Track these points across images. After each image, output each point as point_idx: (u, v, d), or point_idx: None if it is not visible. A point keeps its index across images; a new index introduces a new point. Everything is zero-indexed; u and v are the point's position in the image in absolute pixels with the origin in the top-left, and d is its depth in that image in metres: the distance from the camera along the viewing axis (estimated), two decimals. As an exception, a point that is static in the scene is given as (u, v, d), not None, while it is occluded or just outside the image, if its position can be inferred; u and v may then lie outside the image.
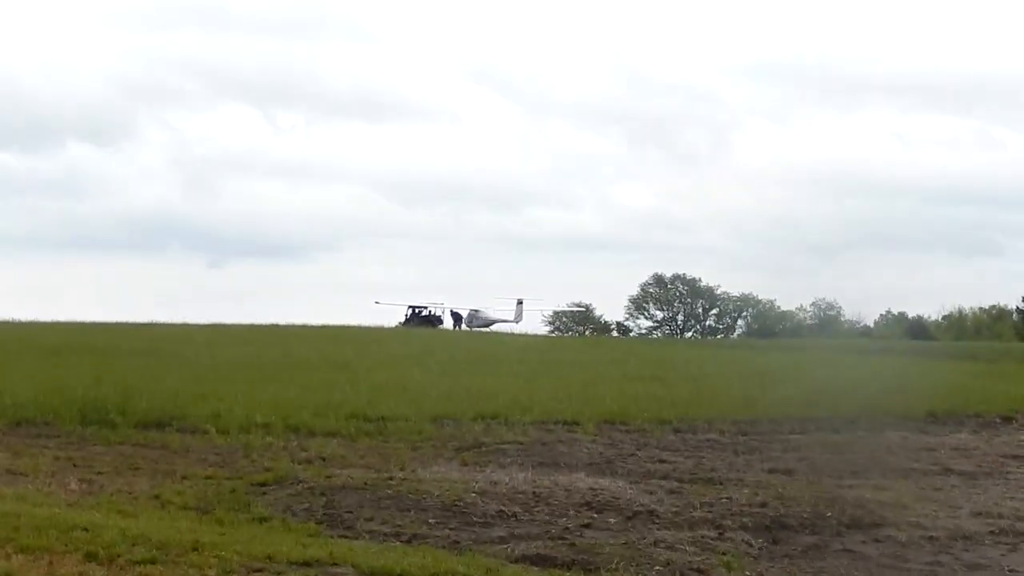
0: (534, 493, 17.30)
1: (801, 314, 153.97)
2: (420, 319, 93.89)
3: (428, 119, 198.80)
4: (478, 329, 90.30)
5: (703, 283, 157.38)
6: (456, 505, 16.31)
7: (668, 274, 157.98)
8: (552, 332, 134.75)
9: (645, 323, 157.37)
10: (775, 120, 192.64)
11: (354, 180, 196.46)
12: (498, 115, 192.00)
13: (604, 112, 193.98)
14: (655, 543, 14.40)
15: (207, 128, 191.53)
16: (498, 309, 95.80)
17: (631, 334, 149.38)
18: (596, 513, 16.30)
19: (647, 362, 44.04)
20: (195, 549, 12.25)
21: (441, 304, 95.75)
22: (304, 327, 69.25)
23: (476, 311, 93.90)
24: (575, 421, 26.03)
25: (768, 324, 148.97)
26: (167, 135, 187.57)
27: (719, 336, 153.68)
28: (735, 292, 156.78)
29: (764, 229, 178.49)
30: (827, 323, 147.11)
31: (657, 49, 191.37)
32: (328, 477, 18.50)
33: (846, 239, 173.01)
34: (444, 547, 14.04)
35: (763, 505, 16.97)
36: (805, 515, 16.34)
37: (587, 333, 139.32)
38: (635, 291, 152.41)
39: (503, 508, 16.20)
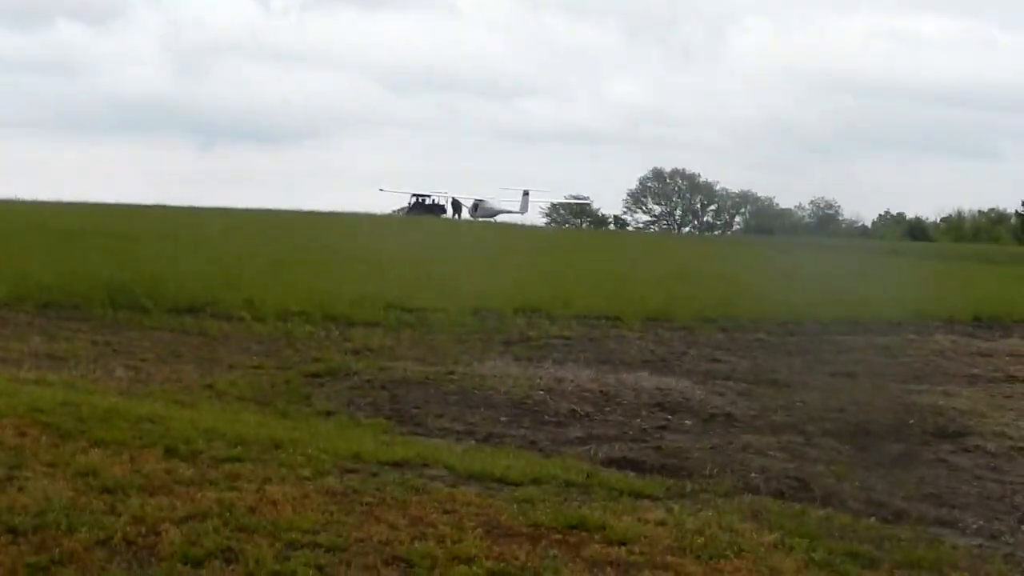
0: (601, 391, 16.62)
1: (800, 212, 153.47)
2: (424, 207, 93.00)
3: (424, 7, 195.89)
4: (482, 219, 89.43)
5: (702, 179, 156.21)
6: (525, 403, 15.63)
7: (667, 169, 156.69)
8: (549, 224, 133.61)
9: (643, 217, 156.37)
10: (773, 18, 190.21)
11: (347, 67, 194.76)
12: (494, 5, 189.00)
13: (600, 4, 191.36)
14: (743, 448, 13.71)
15: (199, 9, 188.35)
16: (503, 200, 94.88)
17: (628, 227, 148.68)
18: (669, 414, 15.64)
19: (671, 258, 43.26)
20: (277, 446, 11.53)
21: (445, 193, 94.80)
22: (312, 213, 68.41)
23: (481, 200, 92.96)
24: (617, 317, 25.33)
25: (766, 221, 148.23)
26: (158, 15, 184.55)
27: (716, 232, 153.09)
28: (734, 189, 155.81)
29: (760, 127, 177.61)
30: (825, 222, 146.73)
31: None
32: (382, 369, 17.79)
33: (842, 139, 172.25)
34: (523, 447, 13.35)
35: (840, 410, 16.31)
36: (887, 422, 15.68)
37: (583, 225, 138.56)
38: (633, 185, 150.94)
39: (574, 407, 15.52)
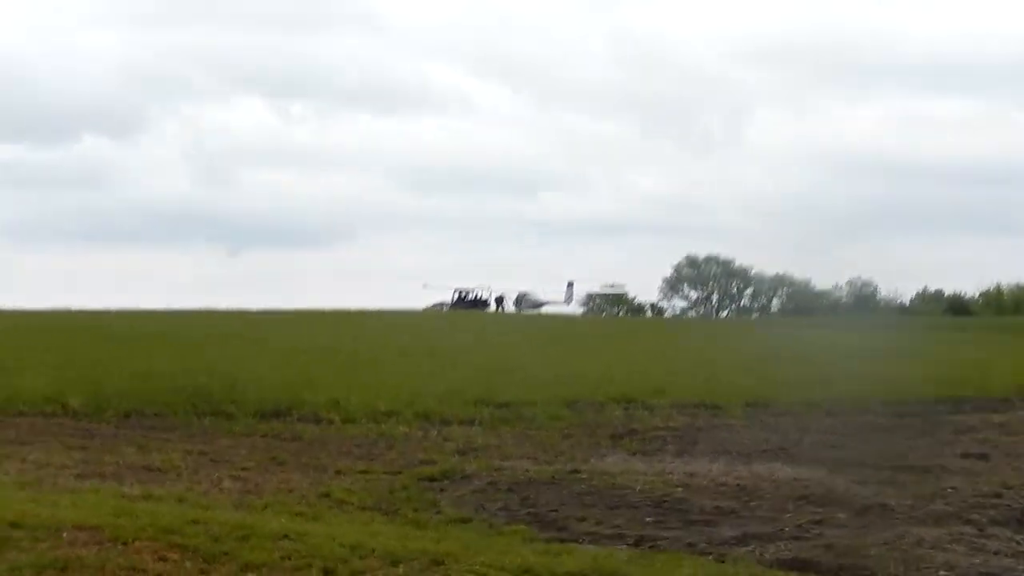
0: (738, 485, 15.72)
1: (837, 292, 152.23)
2: (467, 303, 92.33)
3: (438, 109, 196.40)
4: (527, 311, 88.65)
5: (737, 263, 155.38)
6: (665, 501, 14.71)
7: (701, 255, 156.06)
8: (587, 313, 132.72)
9: (679, 303, 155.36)
10: (788, 104, 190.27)
11: (366, 170, 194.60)
12: (508, 102, 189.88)
13: (615, 97, 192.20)
14: (918, 543, 12.70)
15: (219, 120, 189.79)
16: (547, 290, 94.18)
17: (665, 315, 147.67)
18: (818, 507, 14.66)
19: (739, 343, 42.31)
20: (438, 562, 10.61)
21: (488, 287, 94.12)
22: (359, 311, 67.73)
23: (525, 293, 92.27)
24: (715, 404, 24.36)
25: (804, 303, 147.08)
26: (180, 127, 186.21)
27: (754, 315, 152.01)
28: (769, 272, 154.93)
29: (783, 209, 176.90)
30: (863, 301, 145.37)
31: (666, 32, 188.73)
32: (497, 470, 16.93)
33: (868, 219, 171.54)
34: (681, 550, 12.38)
35: (996, 496, 15.29)
36: (1052, 506, 14.65)
37: (620, 314, 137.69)
38: (666, 272, 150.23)
39: (718, 504, 14.55)
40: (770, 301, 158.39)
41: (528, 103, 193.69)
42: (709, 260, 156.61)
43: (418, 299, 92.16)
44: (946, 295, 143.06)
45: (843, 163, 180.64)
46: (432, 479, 16.40)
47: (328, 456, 18.75)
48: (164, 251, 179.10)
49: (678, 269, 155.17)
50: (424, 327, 50.13)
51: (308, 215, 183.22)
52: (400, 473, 17.00)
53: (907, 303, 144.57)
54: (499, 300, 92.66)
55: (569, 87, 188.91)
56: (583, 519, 13.79)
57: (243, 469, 17.44)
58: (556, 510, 14.21)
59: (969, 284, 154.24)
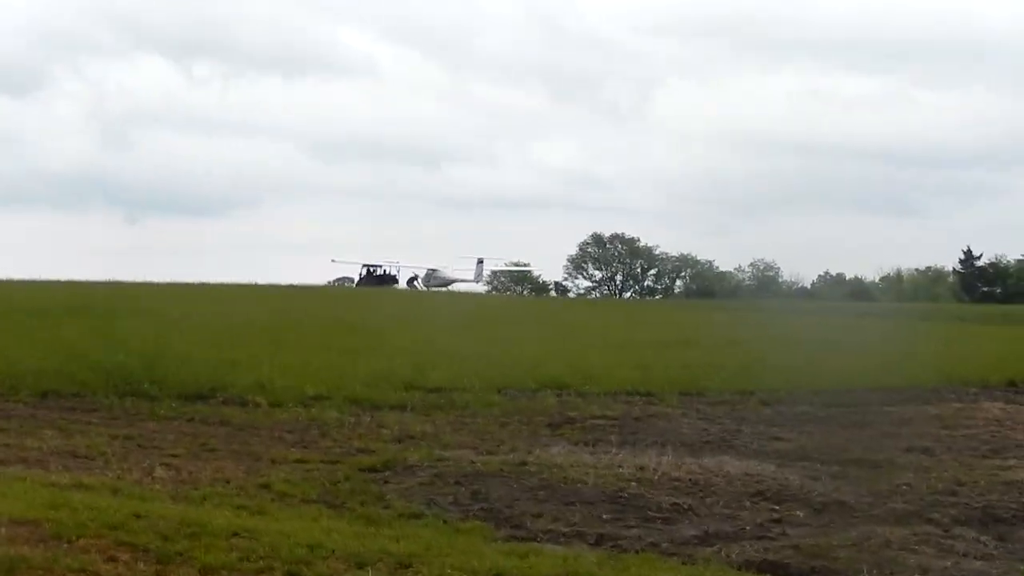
0: (690, 480, 15.35)
1: (740, 275, 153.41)
2: (375, 278, 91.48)
3: (346, 75, 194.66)
4: (435, 288, 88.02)
5: (641, 243, 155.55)
6: (620, 497, 14.28)
7: (606, 234, 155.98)
8: (491, 291, 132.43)
9: (583, 283, 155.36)
10: (697, 78, 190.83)
11: (272, 135, 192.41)
12: (418, 70, 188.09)
13: (524, 68, 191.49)
14: (886, 544, 12.40)
15: (122, 80, 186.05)
16: (456, 268, 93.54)
17: (569, 294, 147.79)
18: (775, 504, 14.32)
19: (657, 325, 42.09)
20: (404, 564, 10.09)
21: (396, 263, 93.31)
22: (266, 286, 66.75)
23: (434, 270, 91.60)
24: (649, 392, 23.99)
25: (707, 284, 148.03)
26: (82, 86, 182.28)
27: (657, 296, 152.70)
28: (674, 252, 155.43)
29: (690, 187, 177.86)
30: (765, 284, 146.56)
31: (577, 2, 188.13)
32: (439, 460, 16.38)
33: (771, 198, 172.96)
34: (645, 550, 11.96)
35: (952, 494, 15.07)
36: (1012, 504, 14.46)
37: (524, 292, 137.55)
38: (571, 250, 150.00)
39: (675, 501, 14.15)
40: (673, 282, 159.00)
41: (438, 71, 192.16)
42: (614, 239, 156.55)
43: (322, 274, 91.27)
44: (847, 279, 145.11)
45: (748, 140, 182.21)
46: (374, 470, 15.83)
47: (260, 443, 18.11)
48: (62, 216, 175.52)
49: (583, 247, 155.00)
50: (339, 304, 49.33)
51: (210, 182, 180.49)
52: (338, 463, 16.41)
53: (808, 286, 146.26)
54: (412, 279, 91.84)
55: (479, 56, 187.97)
56: (539, 515, 13.31)
57: (173, 456, 16.76)
58: (510, 506, 13.71)
59: (868, 268, 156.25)
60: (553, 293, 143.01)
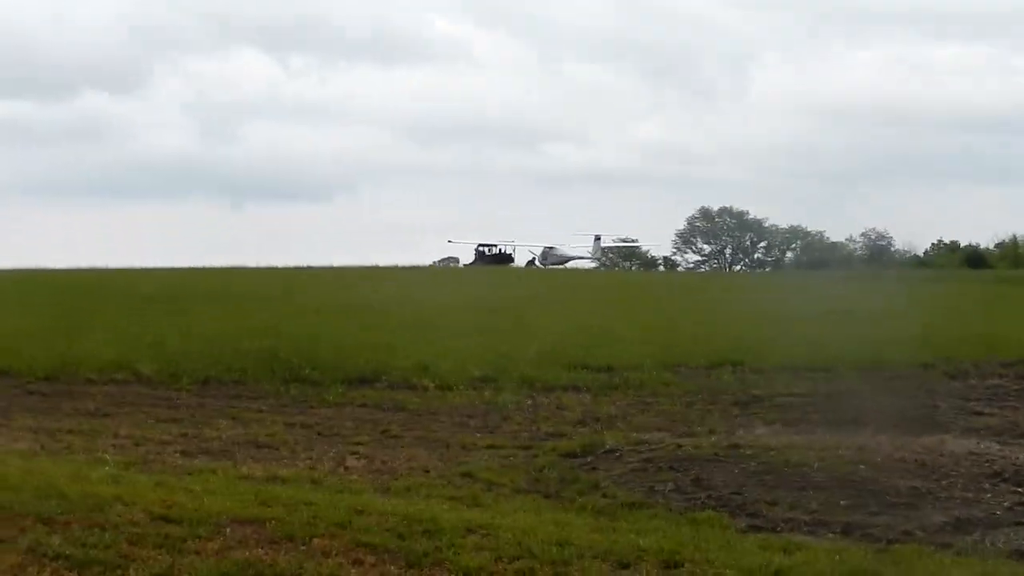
0: (916, 461, 14.23)
1: (852, 245, 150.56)
2: (491, 257, 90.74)
3: (440, 61, 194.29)
4: (552, 267, 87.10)
5: (751, 215, 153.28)
6: (851, 480, 13.24)
7: (715, 208, 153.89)
8: (599, 268, 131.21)
9: (692, 257, 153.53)
10: (789, 52, 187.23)
11: (369, 122, 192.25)
12: (509, 53, 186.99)
13: (617, 47, 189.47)
14: None
15: (220, 73, 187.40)
16: (573, 246, 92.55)
17: (679, 268, 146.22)
18: (1015, 486, 13.18)
19: (800, 297, 40.72)
20: (672, 564, 9.20)
21: (512, 242, 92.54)
22: (386, 268, 66.32)
23: (551, 248, 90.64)
24: (826, 367, 22.83)
25: (818, 256, 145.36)
26: (180, 80, 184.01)
27: (767, 269, 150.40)
28: (782, 224, 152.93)
29: (788, 160, 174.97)
30: (878, 253, 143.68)
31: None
32: (640, 444, 15.44)
33: (871, 169, 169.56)
34: (900, 541, 10.92)
35: None
36: None
37: (633, 268, 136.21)
38: (679, 224, 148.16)
39: (913, 484, 13.07)
40: (784, 254, 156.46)
41: (529, 53, 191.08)
42: (722, 212, 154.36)
43: (426, 255, 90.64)
44: (962, 246, 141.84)
45: (844, 111, 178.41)
46: (574, 455, 14.96)
47: (442, 428, 17.35)
48: (166, 206, 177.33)
49: (691, 222, 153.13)
50: (467, 284, 48.62)
51: (308, 169, 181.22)
52: (531, 448, 15.61)
53: (921, 255, 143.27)
54: (531, 261, 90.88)
55: (570, 36, 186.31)
56: (773, 503, 12.34)
57: (357, 444, 16.08)
58: (739, 492, 12.75)
59: (981, 235, 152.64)
60: (662, 268, 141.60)
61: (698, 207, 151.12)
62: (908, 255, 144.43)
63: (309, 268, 63.32)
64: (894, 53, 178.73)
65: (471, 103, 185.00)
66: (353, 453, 15.37)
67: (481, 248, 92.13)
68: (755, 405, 19.16)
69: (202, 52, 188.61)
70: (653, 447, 15.20)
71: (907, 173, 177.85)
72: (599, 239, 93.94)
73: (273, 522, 10.18)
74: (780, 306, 34.32)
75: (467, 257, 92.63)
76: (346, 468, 14.43)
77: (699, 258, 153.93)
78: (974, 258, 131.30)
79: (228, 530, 9.85)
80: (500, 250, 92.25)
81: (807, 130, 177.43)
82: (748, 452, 14.46)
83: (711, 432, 16.36)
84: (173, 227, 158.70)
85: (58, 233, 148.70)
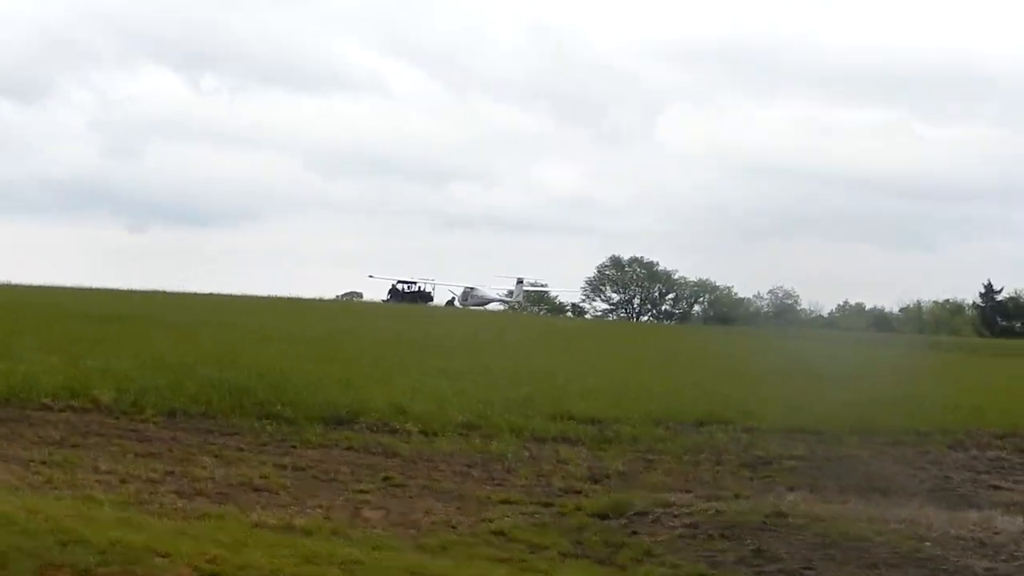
0: (975, 539, 13.37)
1: (758, 302, 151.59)
2: (407, 295, 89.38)
3: (352, 90, 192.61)
4: (473, 307, 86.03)
5: (660, 267, 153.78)
6: (921, 559, 12.40)
7: (625, 257, 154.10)
8: (507, 310, 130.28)
9: (601, 305, 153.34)
10: (699, 104, 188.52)
11: (277, 149, 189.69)
12: (423, 87, 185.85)
13: (528, 89, 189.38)
14: None
15: (128, 89, 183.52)
16: (493, 287, 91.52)
17: (586, 315, 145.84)
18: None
19: (745, 354, 40.15)
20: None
21: (432, 280, 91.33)
22: (317, 301, 64.89)
23: (472, 288, 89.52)
24: (818, 430, 22.00)
25: (725, 311, 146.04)
26: (88, 94, 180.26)
27: (673, 321, 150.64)
28: (692, 277, 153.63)
29: (695, 212, 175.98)
30: (784, 311, 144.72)
31: (580, 27, 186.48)
32: (666, 506, 14.45)
33: (779, 226, 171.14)
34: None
35: None
36: None
37: (542, 313, 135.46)
38: (585, 271, 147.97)
39: (989, 565, 12.25)
40: (691, 307, 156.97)
41: (444, 89, 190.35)
42: (632, 262, 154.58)
43: (327, 287, 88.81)
44: (867, 309, 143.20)
45: (752, 167, 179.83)
46: (604, 516, 13.95)
47: (445, 478, 16.27)
48: (66, 224, 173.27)
49: (601, 270, 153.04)
50: (403, 322, 47.42)
51: (214, 193, 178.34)
52: (552, 505, 14.63)
53: (825, 315, 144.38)
54: (451, 300, 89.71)
55: (483, 76, 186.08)
56: (847, 582, 11.40)
57: (361, 492, 14.98)
58: (811, 567, 11.84)
59: (884, 298, 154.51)
60: (570, 314, 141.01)
61: (608, 255, 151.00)
62: (813, 315, 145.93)
63: (234, 296, 61.65)
64: (803, 112, 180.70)
65: (381, 136, 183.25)
66: (364, 502, 14.23)
67: (400, 285, 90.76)
68: (763, 467, 18.32)
69: (112, 67, 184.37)
70: (686, 510, 14.22)
71: (813, 232, 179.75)
72: (521, 282, 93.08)
73: (328, 585, 9.02)
74: (739, 363, 33.63)
75: (377, 293, 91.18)
76: (364, 519, 13.29)
77: (607, 306, 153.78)
78: (881, 321, 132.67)
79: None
80: (419, 288, 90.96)
81: (716, 184, 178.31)
82: (799, 522, 13.53)
83: (737, 496, 15.41)
84: (73, 245, 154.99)
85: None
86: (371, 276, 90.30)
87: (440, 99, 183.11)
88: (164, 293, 58.80)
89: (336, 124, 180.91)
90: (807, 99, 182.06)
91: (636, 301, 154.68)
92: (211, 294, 62.70)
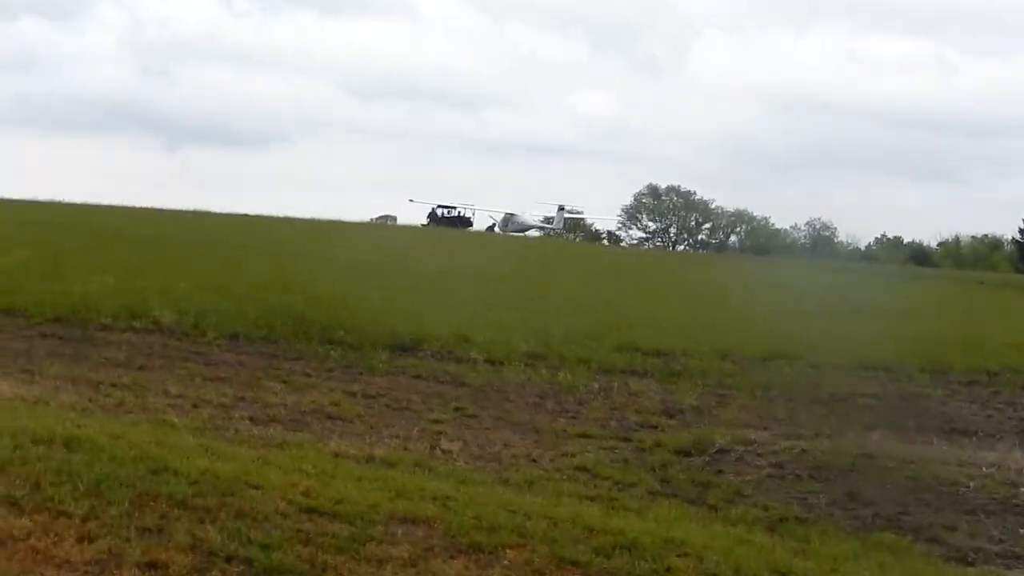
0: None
1: (795, 233, 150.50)
2: (445, 219, 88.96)
3: (383, 12, 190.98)
4: (513, 233, 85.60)
5: (697, 196, 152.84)
6: (1018, 505, 12.02)
7: (662, 185, 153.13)
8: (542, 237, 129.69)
9: (636, 233, 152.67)
10: (733, 33, 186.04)
11: (309, 71, 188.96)
12: (455, 12, 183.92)
13: (564, 15, 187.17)
14: None
15: (161, 8, 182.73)
16: (533, 214, 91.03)
17: (622, 244, 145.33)
18: None
19: (796, 288, 39.57)
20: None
21: (472, 206, 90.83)
22: (358, 224, 64.67)
23: (512, 214, 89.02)
24: (887, 367, 21.60)
25: (761, 241, 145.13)
26: (121, 13, 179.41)
27: (708, 251, 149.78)
28: (729, 207, 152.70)
29: (727, 143, 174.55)
30: (821, 243, 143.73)
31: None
32: (747, 443, 14.14)
33: (808, 158, 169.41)
34: None
35: None
36: None
37: (577, 240, 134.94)
38: (626, 200, 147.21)
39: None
40: (727, 237, 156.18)
41: (476, 13, 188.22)
42: (669, 191, 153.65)
43: (360, 211, 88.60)
44: (905, 243, 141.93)
45: (784, 99, 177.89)
46: (687, 453, 13.64)
47: (517, 410, 16.00)
48: (97, 142, 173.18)
49: (638, 198, 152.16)
50: (448, 247, 47.11)
51: (243, 115, 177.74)
52: (631, 440, 14.31)
53: (863, 249, 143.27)
54: (491, 226, 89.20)
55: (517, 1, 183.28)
56: (951, 528, 11.08)
57: (435, 421, 14.73)
58: (905, 512, 11.50)
59: (923, 232, 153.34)
60: (606, 243, 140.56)
61: (643, 184, 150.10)
62: (850, 247, 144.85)
63: (274, 217, 61.48)
64: (839, 43, 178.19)
65: (412, 61, 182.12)
66: (440, 433, 13.95)
67: (440, 209, 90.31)
68: (838, 405, 17.91)
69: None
70: (769, 448, 13.91)
71: (845, 166, 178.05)
72: (563, 209, 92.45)
73: (439, 523, 8.73)
74: (793, 297, 33.22)
75: (412, 217, 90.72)
76: (443, 451, 13.01)
77: (643, 235, 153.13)
78: (919, 255, 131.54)
79: (399, 531, 8.39)
80: (459, 213, 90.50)
81: (750, 115, 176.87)
82: (889, 464, 13.21)
83: (816, 435, 15.05)
84: (103, 164, 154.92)
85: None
86: (411, 200, 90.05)
87: (471, 23, 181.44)
88: (208, 213, 58.67)
89: (367, 48, 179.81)
90: (842, 28, 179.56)
91: (672, 230, 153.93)
92: (250, 215, 62.53)
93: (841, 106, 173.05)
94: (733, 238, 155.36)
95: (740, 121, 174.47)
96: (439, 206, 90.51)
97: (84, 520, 7.93)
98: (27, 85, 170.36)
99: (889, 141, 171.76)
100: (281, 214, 65.80)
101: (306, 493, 9.19)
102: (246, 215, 61.25)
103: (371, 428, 13.95)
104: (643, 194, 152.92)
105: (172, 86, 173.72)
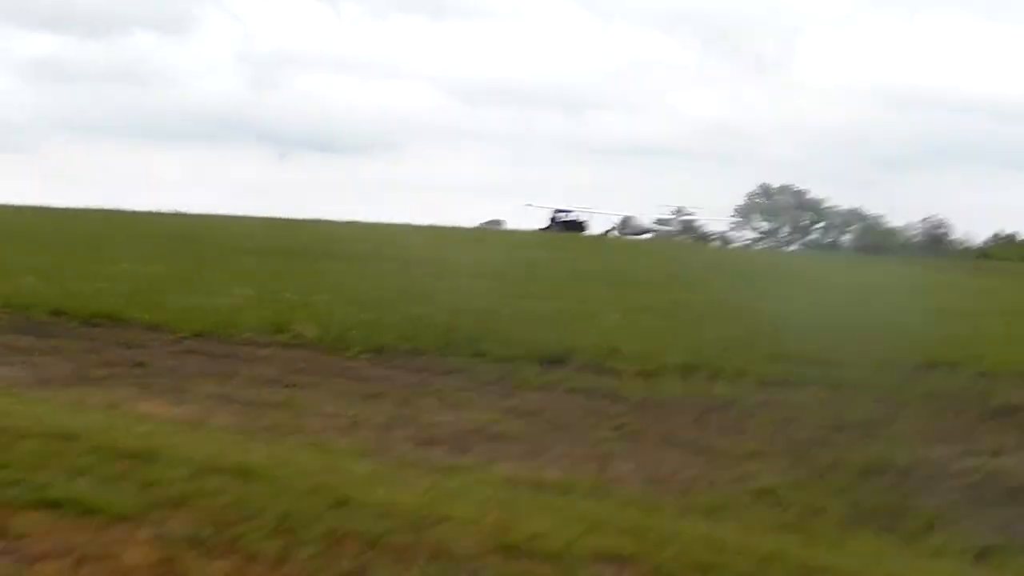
0: None
1: (910, 231, 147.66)
2: (563, 224, 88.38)
3: (491, 18, 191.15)
4: (630, 237, 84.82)
5: (810, 195, 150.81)
6: None
7: (774, 184, 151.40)
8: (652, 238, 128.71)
9: (748, 234, 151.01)
10: (840, 28, 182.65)
11: (416, 77, 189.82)
12: (560, 14, 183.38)
13: (669, 15, 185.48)
14: None
15: (270, 18, 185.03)
16: (649, 216, 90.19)
17: (733, 245, 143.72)
18: None
19: (943, 288, 38.51)
20: None
21: (588, 209, 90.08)
22: (477, 230, 64.36)
23: (629, 217, 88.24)
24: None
25: (876, 240, 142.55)
26: (230, 23, 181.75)
27: (822, 251, 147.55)
28: (842, 206, 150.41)
29: (838, 140, 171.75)
30: (936, 241, 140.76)
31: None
32: (922, 462, 13.41)
33: (921, 154, 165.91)
34: None
35: None
36: None
37: (690, 242, 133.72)
38: (739, 200, 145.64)
39: None
40: (841, 236, 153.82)
41: (582, 13, 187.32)
42: (782, 190, 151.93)
43: (467, 215, 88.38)
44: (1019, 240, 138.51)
45: (899, 96, 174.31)
46: (869, 473, 12.90)
47: (682, 427, 15.32)
48: (209, 152, 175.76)
49: (750, 198, 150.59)
50: (573, 251, 46.59)
51: (355, 123, 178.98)
52: (804, 458, 13.55)
53: (979, 245, 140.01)
54: (610, 230, 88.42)
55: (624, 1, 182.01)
56: None
57: (600, 441, 14.06)
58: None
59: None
60: (717, 243, 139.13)
61: (757, 183, 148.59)
62: (965, 245, 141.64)
63: (393, 224, 61.42)
64: (953, 34, 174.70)
65: (519, 65, 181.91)
66: (607, 454, 13.41)
67: (557, 213, 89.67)
68: (1016, 417, 17.00)
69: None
70: (955, 468, 13.18)
71: (958, 160, 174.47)
72: (679, 211, 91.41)
73: (644, 562, 8.20)
74: (935, 298, 32.17)
75: (521, 222, 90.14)
76: (616, 476, 12.47)
77: (755, 235, 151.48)
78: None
79: (607, 573, 7.88)
80: (575, 218, 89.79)
81: (861, 110, 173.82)
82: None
83: (996, 453, 14.25)
84: (216, 173, 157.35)
85: (100, 175, 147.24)
86: (528, 205, 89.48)
87: (578, 25, 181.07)
88: (325, 221, 58.78)
89: (474, 52, 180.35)
90: (953, 17, 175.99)
91: (785, 229, 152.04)
92: (366, 222, 62.48)
93: (955, 99, 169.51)
94: (845, 237, 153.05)
95: (851, 117, 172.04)
96: (557, 210, 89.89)
97: (277, 563, 7.51)
98: (140, 97, 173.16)
99: (1004, 135, 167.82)
100: (394, 220, 65.83)
101: (497, 527, 8.71)
102: (362, 222, 61.22)
103: (534, 449, 13.46)
104: (756, 194, 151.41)
105: (282, 95, 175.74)
